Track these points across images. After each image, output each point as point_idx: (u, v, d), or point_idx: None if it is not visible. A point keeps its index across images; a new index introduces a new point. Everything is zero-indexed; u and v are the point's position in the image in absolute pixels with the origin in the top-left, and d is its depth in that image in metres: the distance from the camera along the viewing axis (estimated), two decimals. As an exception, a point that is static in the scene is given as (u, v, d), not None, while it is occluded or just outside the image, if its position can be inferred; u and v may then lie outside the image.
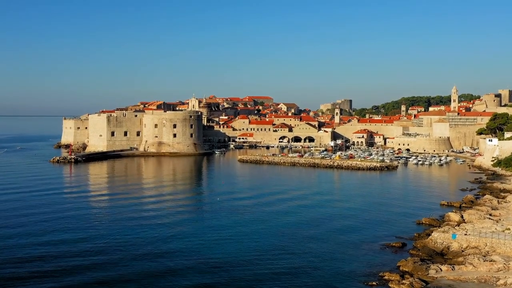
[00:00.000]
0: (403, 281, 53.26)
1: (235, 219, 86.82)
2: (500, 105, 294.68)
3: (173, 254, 64.94)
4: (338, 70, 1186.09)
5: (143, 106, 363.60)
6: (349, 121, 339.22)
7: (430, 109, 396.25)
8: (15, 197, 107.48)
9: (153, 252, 65.76)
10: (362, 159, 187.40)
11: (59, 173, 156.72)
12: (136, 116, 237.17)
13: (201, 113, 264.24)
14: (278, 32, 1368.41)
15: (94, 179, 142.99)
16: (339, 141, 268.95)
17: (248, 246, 69.28)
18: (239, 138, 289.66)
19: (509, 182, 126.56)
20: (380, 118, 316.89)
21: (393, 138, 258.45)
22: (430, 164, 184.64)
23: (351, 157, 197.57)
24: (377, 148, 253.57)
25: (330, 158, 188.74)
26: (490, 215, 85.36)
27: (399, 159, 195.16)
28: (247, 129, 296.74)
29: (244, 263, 61.53)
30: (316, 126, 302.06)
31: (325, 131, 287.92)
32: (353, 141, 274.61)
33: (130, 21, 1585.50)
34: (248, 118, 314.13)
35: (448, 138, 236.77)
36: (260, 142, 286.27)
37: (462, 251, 63.97)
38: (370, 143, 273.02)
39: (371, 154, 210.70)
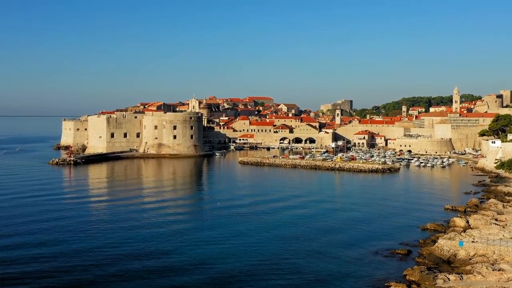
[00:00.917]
0: (410, 292, 51.77)
1: (236, 225, 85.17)
2: (502, 106, 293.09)
3: (173, 263, 63.35)
4: (339, 70, 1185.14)
5: (143, 107, 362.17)
6: (350, 122, 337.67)
7: (431, 109, 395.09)
8: (13, 201, 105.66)
9: (153, 260, 64.16)
10: (364, 161, 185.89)
11: (58, 176, 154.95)
12: (136, 117, 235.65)
13: (201, 114, 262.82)
14: (278, 32, 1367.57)
15: (93, 183, 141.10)
16: (340, 143, 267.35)
17: (250, 253, 67.69)
18: (240, 139, 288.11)
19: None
20: (381, 119, 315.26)
21: (395, 139, 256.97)
22: (432, 166, 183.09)
23: (352, 158, 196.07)
24: (379, 149, 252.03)
25: (332, 160, 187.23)
26: (496, 220, 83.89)
27: (401, 161, 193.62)
28: (247, 130, 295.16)
29: (246, 271, 60.00)
30: (317, 127, 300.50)
31: (326, 132, 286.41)
32: (354, 142, 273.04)
33: (130, 21, 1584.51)
34: (249, 119, 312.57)
35: (450, 139, 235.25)
36: (261, 143, 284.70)
37: (470, 259, 62.42)
38: (371, 144, 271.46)
39: (372, 156, 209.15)
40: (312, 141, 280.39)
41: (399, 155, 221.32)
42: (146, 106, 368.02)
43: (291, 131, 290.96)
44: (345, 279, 57.63)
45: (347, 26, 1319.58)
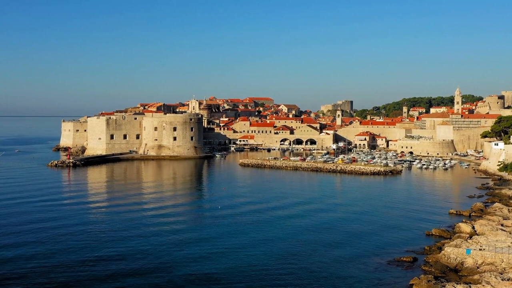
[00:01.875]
0: (418, 303, 50.19)
1: (236, 230, 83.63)
2: (504, 107, 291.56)
3: (173, 268, 61.84)
4: (339, 70, 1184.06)
5: (142, 108, 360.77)
6: (350, 122, 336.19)
7: (431, 110, 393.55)
8: (9, 206, 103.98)
9: (153, 266, 62.62)
10: (365, 163, 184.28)
11: (56, 178, 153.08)
12: (135, 119, 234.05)
13: (202, 115, 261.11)
14: (278, 32, 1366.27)
15: (92, 186, 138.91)
16: (341, 144, 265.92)
17: (251, 260, 66.12)
18: (240, 141, 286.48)
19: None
20: (383, 120, 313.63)
21: (396, 140, 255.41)
22: (435, 168, 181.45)
23: (353, 160, 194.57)
24: (380, 151, 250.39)
25: (333, 162, 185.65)
26: (502, 225, 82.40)
27: (403, 163, 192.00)
28: (248, 131, 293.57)
29: (247, 278, 58.47)
30: (318, 128, 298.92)
31: (327, 133, 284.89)
32: (355, 144, 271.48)
33: (130, 21, 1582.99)
34: (249, 120, 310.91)
35: (452, 141, 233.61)
36: (261, 144, 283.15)
37: (478, 267, 60.87)
38: (373, 146, 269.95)
39: (374, 158, 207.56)
40: (312, 142, 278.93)
41: (400, 156, 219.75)
42: (146, 107, 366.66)
43: (291, 132, 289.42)
44: (350, 289, 56.12)
45: (347, 26, 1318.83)
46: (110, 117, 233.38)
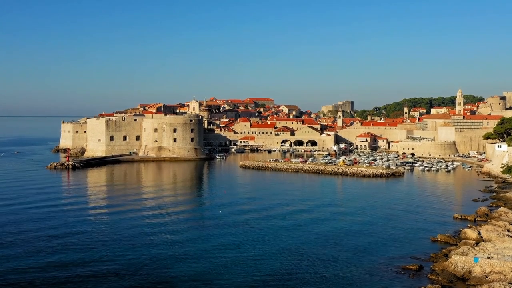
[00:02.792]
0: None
1: (238, 235, 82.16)
2: (506, 108, 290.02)
3: (173, 276, 60.34)
4: (339, 71, 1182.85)
5: (142, 109, 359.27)
6: (351, 123, 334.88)
7: (432, 110, 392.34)
8: (8, 211, 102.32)
9: (152, 275, 61.16)
10: (367, 165, 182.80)
11: (55, 181, 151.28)
12: (135, 120, 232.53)
13: (202, 116, 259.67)
14: (278, 32, 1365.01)
15: (91, 190, 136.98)
16: (342, 145, 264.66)
17: (253, 267, 64.67)
18: (241, 142, 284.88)
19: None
20: (384, 121, 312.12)
21: (397, 142, 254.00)
22: (437, 170, 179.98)
23: (355, 162, 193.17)
24: (381, 152, 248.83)
25: (334, 164, 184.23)
26: (508, 230, 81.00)
27: (405, 165, 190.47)
28: (248, 132, 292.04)
29: (250, 286, 57.07)
30: (319, 129, 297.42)
31: (327, 134, 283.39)
32: (356, 145, 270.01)
33: (130, 21, 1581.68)
34: (250, 121, 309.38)
35: (454, 142, 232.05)
36: (262, 146, 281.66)
37: (486, 276, 59.39)
38: (374, 147, 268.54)
39: (375, 160, 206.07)
40: (313, 143, 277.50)
41: (402, 158, 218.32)
42: (146, 107, 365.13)
43: (292, 133, 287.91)
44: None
45: (347, 26, 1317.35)
46: (109, 119, 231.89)
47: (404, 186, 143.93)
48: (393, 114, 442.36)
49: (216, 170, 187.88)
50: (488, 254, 64.22)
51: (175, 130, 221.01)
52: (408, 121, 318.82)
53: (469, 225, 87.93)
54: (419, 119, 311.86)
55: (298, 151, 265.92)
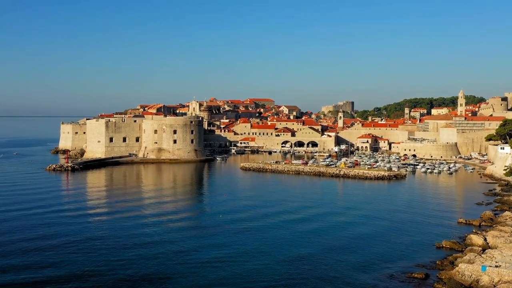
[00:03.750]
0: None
1: (239, 241, 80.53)
2: (507, 109, 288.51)
3: (172, 283, 59.02)
4: (340, 71, 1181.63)
5: (142, 109, 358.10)
6: (352, 124, 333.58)
7: (433, 111, 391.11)
8: (4, 217, 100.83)
9: (152, 279, 59.68)
10: (369, 167, 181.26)
11: (54, 184, 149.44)
12: (135, 121, 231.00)
13: (202, 118, 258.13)
14: (278, 33, 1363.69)
15: (90, 193, 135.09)
16: (343, 146, 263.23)
17: (255, 277, 63.14)
18: (241, 143, 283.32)
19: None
20: (385, 122, 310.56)
21: (399, 143, 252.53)
22: (439, 173, 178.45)
23: (356, 164, 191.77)
24: (382, 153, 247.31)
25: (336, 166, 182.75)
26: (514, 236, 79.48)
27: (406, 167, 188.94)
28: (248, 133, 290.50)
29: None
30: (319, 130, 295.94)
31: (328, 135, 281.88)
32: (357, 146, 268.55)
33: (130, 22, 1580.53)
34: (250, 121, 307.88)
35: (456, 143, 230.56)
36: (262, 147, 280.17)
37: (494, 286, 57.86)
38: (375, 148, 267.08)
39: (377, 161, 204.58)
40: (314, 144, 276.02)
41: (403, 159, 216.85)
42: (145, 108, 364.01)
43: (293, 134, 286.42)
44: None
45: (348, 26, 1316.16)
46: (109, 120, 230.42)
47: (406, 189, 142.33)
48: (394, 114, 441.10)
49: (217, 172, 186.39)
50: (496, 262, 62.76)
51: (175, 132, 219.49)
52: (409, 122, 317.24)
53: (474, 230, 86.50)
54: (420, 120, 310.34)
55: (299, 152, 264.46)
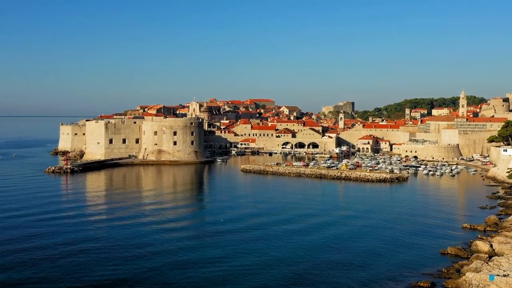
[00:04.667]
0: None
1: (240, 245, 79.30)
2: (509, 110, 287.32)
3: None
4: (340, 71, 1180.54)
5: (142, 110, 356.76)
6: (352, 125, 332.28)
7: (433, 111, 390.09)
8: (5, 224, 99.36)
9: (151, 285, 58.48)
10: (370, 169, 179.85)
11: (53, 187, 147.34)
12: (135, 123, 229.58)
13: (202, 119, 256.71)
14: (278, 33, 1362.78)
15: (90, 196, 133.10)
16: (344, 148, 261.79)
17: (256, 277, 61.86)
18: (241, 144, 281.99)
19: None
20: (386, 123, 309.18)
21: (400, 144, 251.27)
22: (441, 175, 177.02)
23: (358, 165, 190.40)
24: (383, 155, 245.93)
25: (337, 168, 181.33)
26: (521, 243, 78.09)
27: (408, 169, 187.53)
28: (249, 135, 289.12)
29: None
30: (320, 131, 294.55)
31: (329, 136, 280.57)
32: (358, 147, 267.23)
33: (130, 22, 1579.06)
34: (250, 122, 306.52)
35: (457, 145, 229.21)
36: (263, 148, 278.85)
37: (502, 296, 56.55)
38: (376, 149, 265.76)
39: (378, 163, 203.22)
40: (315, 146, 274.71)
41: (405, 161, 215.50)
42: (145, 109, 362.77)
43: (293, 135, 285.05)
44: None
45: (348, 26, 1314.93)
46: (109, 121, 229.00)
47: (408, 192, 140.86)
48: (394, 115, 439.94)
49: (217, 174, 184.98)
50: (504, 271, 61.39)
51: (175, 133, 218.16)
52: (410, 122, 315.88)
53: (479, 236, 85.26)
54: (421, 120, 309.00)
55: (300, 153, 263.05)
